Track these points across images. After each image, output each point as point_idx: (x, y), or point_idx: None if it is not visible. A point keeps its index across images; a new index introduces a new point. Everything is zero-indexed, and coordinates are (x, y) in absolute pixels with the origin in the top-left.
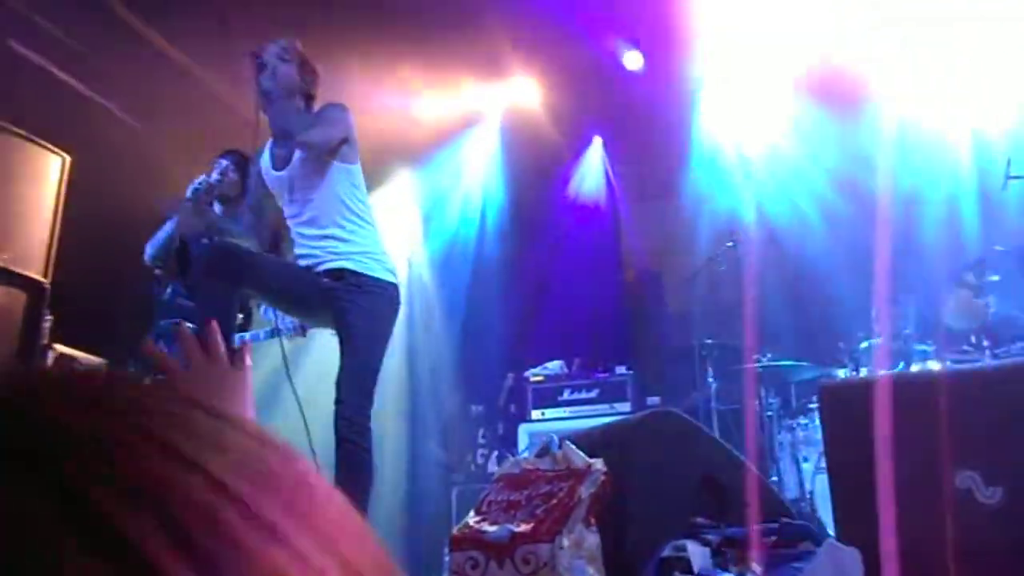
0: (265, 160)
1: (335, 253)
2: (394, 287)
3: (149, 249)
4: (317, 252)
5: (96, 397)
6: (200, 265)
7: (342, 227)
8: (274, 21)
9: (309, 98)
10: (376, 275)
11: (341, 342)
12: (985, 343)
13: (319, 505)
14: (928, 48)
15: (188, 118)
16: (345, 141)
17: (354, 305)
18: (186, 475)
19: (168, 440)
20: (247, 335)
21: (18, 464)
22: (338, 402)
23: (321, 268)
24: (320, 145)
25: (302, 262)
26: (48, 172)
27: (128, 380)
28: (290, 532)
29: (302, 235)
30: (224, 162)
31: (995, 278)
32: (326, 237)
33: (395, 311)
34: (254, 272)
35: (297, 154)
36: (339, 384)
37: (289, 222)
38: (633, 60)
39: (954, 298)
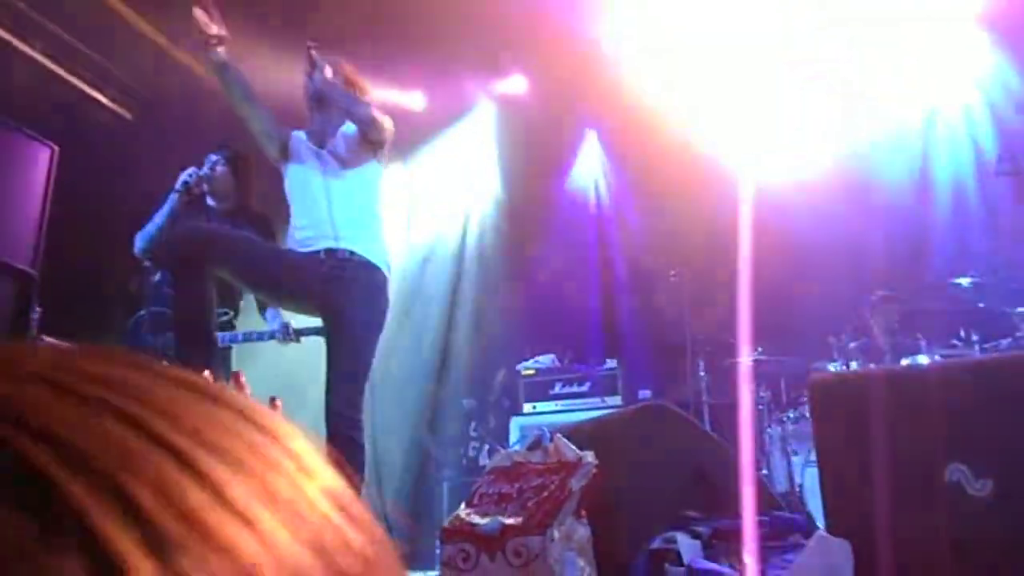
0: (300, 136)
1: (344, 236)
2: (386, 278)
3: (139, 241)
4: (324, 232)
5: (45, 370)
6: (171, 251)
7: (358, 214)
8: (267, 12)
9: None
10: (379, 265)
11: (331, 332)
12: (974, 337)
13: (301, 491)
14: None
15: (178, 109)
16: (385, 143)
17: (348, 294)
18: (153, 453)
19: (134, 415)
20: (239, 335)
21: None
22: (328, 394)
23: (322, 247)
24: (368, 121)
25: (303, 244)
26: (36, 163)
27: (94, 351)
28: (263, 518)
29: (312, 217)
30: (214, 157)
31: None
32: (340, 221)
33: (388, 303)
34: (227, 255)
35: (340, 138)
36: (329, 376)
37: (298, 207)
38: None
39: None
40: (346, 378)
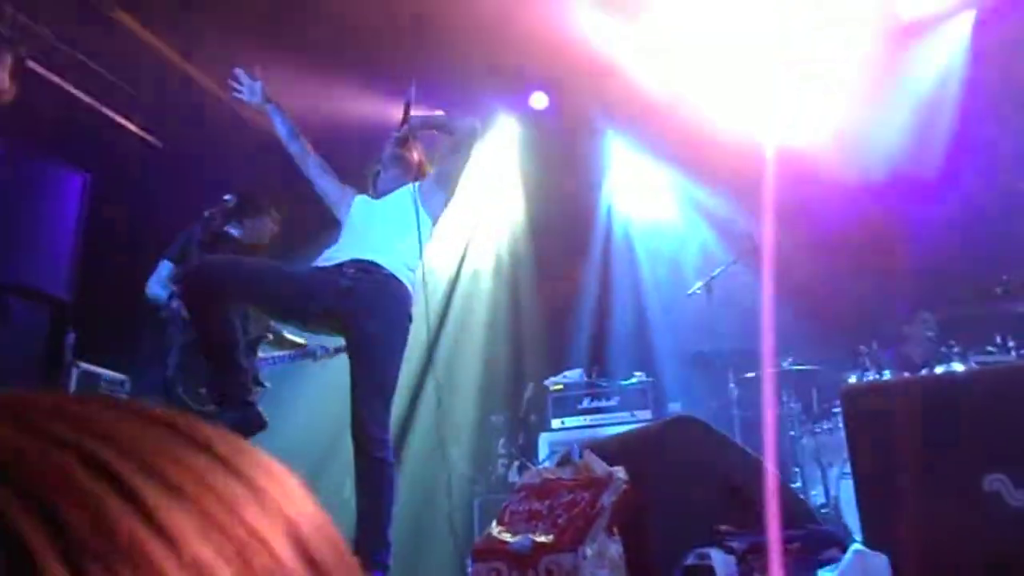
0: (363, 200)
1: (370, 249)
2: (410, 298)
3: (150, 288)
4: (353, 244)
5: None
6: (183, 289)
7: (390, 231)
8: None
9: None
10: (401, 279)
11: (352, 349)
12: (1010, 343)
13: (246, 524)
14: None
15: (208, 137)
16: (439, 193)
17: (370, 309)
18: (93, 480)
19: (85, 446)
20: (275, 355)
21: None
22: (356, 416)
23: (347, 258)
24: (462, 130)
25: (327, 260)
26: (69, 190)
27: (79, 397)
28: (190, 543)
29: (348, 238)
30: (226, 198)
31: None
32: (371, 237)
33: (411, 321)
34: (243, 285)
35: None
36: (355, 397)
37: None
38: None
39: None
40: (369, 396)
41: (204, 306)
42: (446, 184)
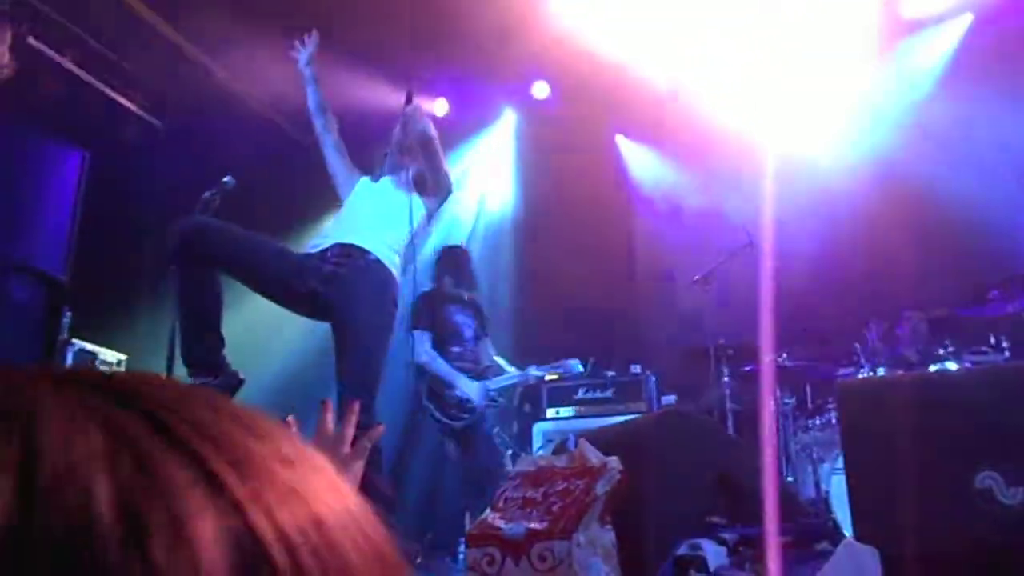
0: (366, 181)
1: (354, 233)
2: (395, 283)
3: None
4: (341, 229)
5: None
6: (174, 247)
7: (381, 222)
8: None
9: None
10: (384, 262)
11: (339, 335)
12: (1004, 344)
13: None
14: None
15: (207, 117)
16: (439, 185)
17: (353, 294)
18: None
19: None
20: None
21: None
22: (340, 400)
23: (330, 243)
24: (434, 139)
25: (314, 247)
26: (67, 169)
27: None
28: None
29: (338, 224)
30: (225, 179)
31: None
32: (357, 223)
33: (396, 306)
34: (231, 252)
35: (400, 181)
36: (340, 381)
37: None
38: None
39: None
40: (356, 382)
41: (193, 265)
42: (427, 183)
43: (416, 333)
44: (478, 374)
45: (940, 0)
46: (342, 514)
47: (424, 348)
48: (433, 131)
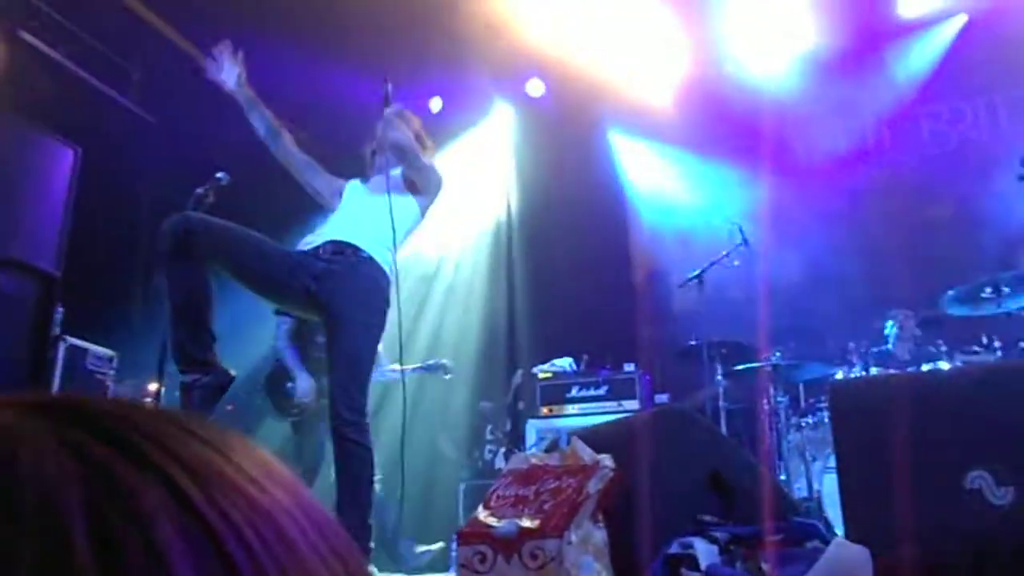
0: (355, 183)
1: (345, 231)
2: (388, 280)
3: None
4: (335, 228)
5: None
6: (165, 243)
7: (371, 218)
8: (290, 13)
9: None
10: (377, 260)
11: (329, 332)
12: (996, 343)
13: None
14: None
15: (200, 113)
16: (425, 190)
17: (343, 293)
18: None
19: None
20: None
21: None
22: (331, 399)
23: (323, 241)
24: (407, 147)
25: (308, 244)
26: (60, 164)
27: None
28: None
29: (332, 224)
30: (219, 175)
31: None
32: (348, 221)
33: (388, 304)
34: (223, 249)
35: (387, 183)
36: (331, 379)
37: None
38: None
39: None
40: (345, 379)
41: (184, 261)
42: (413, 183)
43: (278, 318)
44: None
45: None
46: (309, 531)
47: (280, 332)
48: (405, 139)
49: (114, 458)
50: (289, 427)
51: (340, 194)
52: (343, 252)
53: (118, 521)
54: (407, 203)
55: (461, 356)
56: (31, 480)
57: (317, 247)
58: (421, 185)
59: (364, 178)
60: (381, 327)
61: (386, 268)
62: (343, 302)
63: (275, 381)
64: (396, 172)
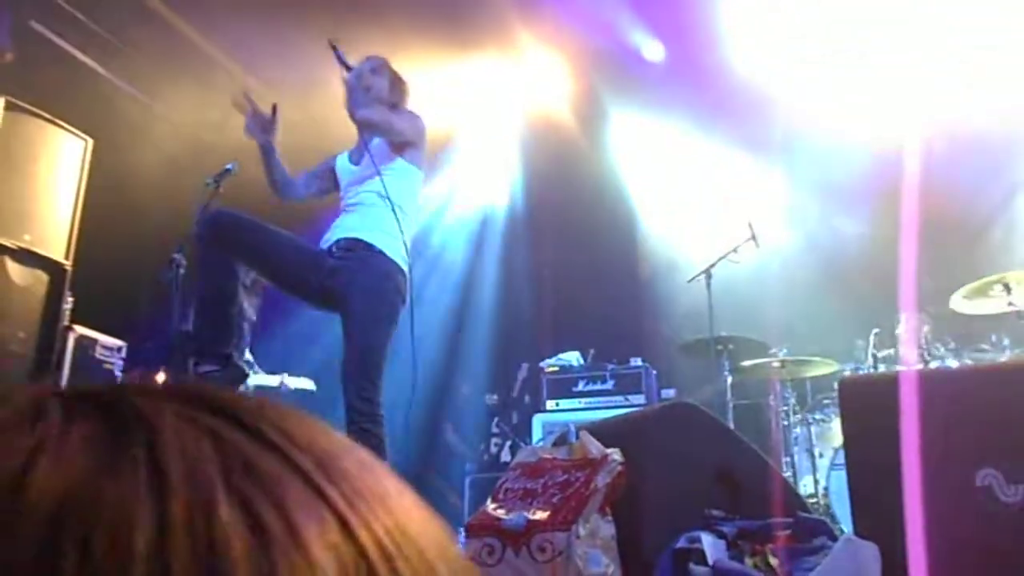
0: (343, 160)
1: (355, 227)
2: (402, 273)
3: None
4: (340, 227)
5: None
6: (200, 233)
7: (377, 209)
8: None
9: (393, 107)
10: (388, 254)
11: (344, 327)
12: (1005, 342)
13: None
14: None
15: (210, 104)
16: (411, 144)
17: (354, 285)
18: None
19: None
20: None
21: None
22: (344, 390)
23: (334, 239)
24: (378, 124)
25: (324, 243)
26: (70, 155)
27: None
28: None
29: (341, 217)
30: (228, 166)
31: None
32: (356, 215)
33: (400, 297)
34: (255, 244)
35: (373, 156)
36: (344, 371)
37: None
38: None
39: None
40: (356, 370)
41: (216, 254)
42: (394, 145)
43: None
44: None
45: None
46: (420, 521)
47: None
48: (374, 114)
49: (249, 445)
50: None
51: (333, 174)
52: (354, 248)
53: (262, 503)
54: (401, 171)
55: (466, 349)
56: (175, 457)
57: (331, 244)
58: (406, 142)
59: (351, 154)
60: (393, 320)
61: (399, 261)
62: (354, 296)
63: None
64: (376, 141)
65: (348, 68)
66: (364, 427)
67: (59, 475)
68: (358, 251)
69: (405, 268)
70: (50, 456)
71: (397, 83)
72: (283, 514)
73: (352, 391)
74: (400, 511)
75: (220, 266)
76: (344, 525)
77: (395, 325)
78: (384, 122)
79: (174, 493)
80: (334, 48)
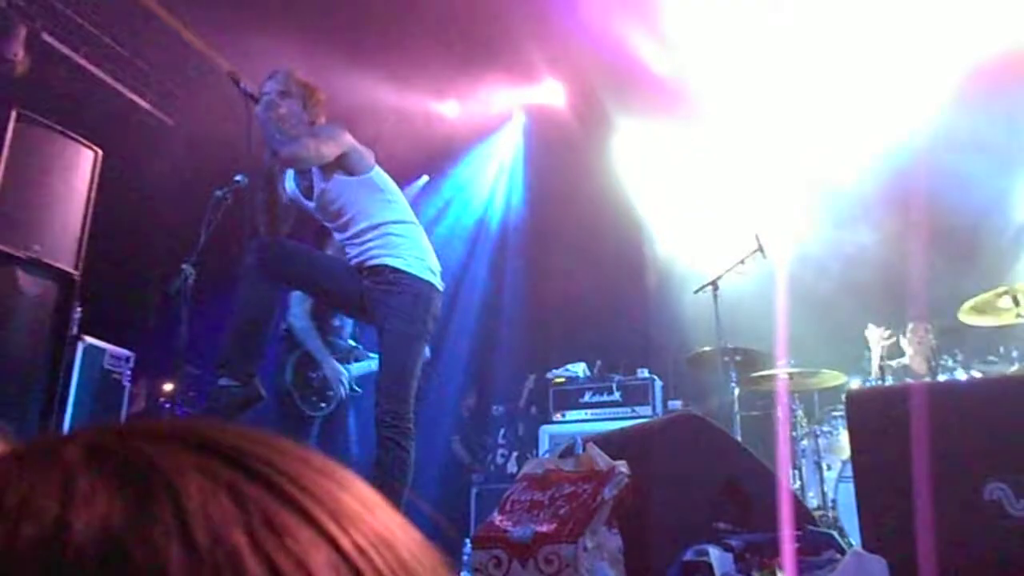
0: (290, 183)
1: (375, 251)
2: (430, 287)
3: None
4: (359, 252)
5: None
6: (252, 260)
7: (378, 228)
8: (307, 22)
9: (312, 124)
10: (414, 272)
11: (379, 343)
12: (1013, 353)
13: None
14: None
15: (218, 115)
16: (344, 155)
17: (385, 307)
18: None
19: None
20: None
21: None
22: (377, 403)
23: (364, 265)
24: (307, 159)
25: (349, 259)
26: (80, 166)
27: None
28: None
29: (344, 242)
30: (237, 178)
31: None
32: (365, 240)
33: (429, 312)
34: (306, 272)
35: (316, 182)
36: (377, 387)
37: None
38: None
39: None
40: (386, 387)
41: (264, 279)
42: (343, 169)
43: (296, 294)
44: (342, 357)
45: None
46: (415, 548)
47: (301, 310)
48: (299, 151)
49: (264, 497)
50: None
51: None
52: (381, 272)
53: (284, 561)
54: (358, 187)
55: (473, 360)
56: (200, 520)
57: (358, 264)
58: (339, 156)
59: (297, 183)
60: (424, 337)
61: (428, 277)
62: (386, 317)
63: (300, 374)
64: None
65: (254, 99)
66: (390, 436)
67: (90, 540)
68: (391, 275)
69: (434, 281)
70: (77, 528)
71: (308, 96)
72: (300, 560)
73: (383, 406)
74: (398, 544)
75: (266, 293)
76: (349, 563)
77: (425, 343)
78: (313, 155)
79: (202, 562)
80: (236, 82)
